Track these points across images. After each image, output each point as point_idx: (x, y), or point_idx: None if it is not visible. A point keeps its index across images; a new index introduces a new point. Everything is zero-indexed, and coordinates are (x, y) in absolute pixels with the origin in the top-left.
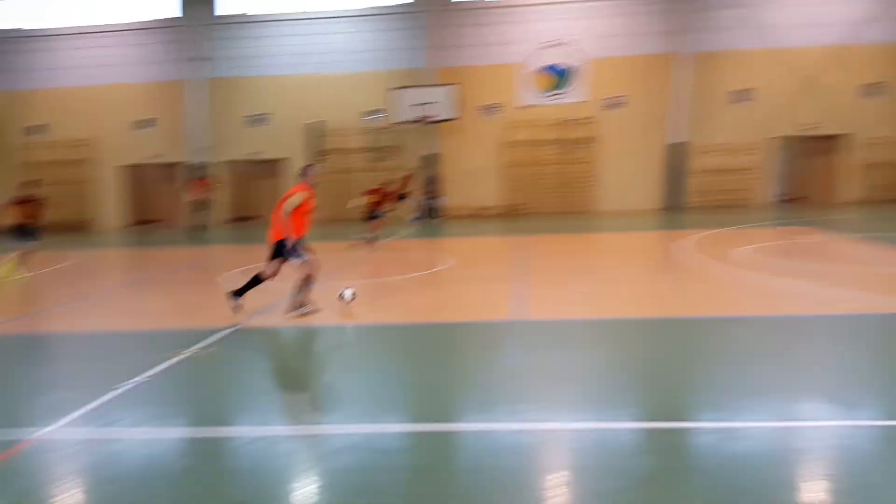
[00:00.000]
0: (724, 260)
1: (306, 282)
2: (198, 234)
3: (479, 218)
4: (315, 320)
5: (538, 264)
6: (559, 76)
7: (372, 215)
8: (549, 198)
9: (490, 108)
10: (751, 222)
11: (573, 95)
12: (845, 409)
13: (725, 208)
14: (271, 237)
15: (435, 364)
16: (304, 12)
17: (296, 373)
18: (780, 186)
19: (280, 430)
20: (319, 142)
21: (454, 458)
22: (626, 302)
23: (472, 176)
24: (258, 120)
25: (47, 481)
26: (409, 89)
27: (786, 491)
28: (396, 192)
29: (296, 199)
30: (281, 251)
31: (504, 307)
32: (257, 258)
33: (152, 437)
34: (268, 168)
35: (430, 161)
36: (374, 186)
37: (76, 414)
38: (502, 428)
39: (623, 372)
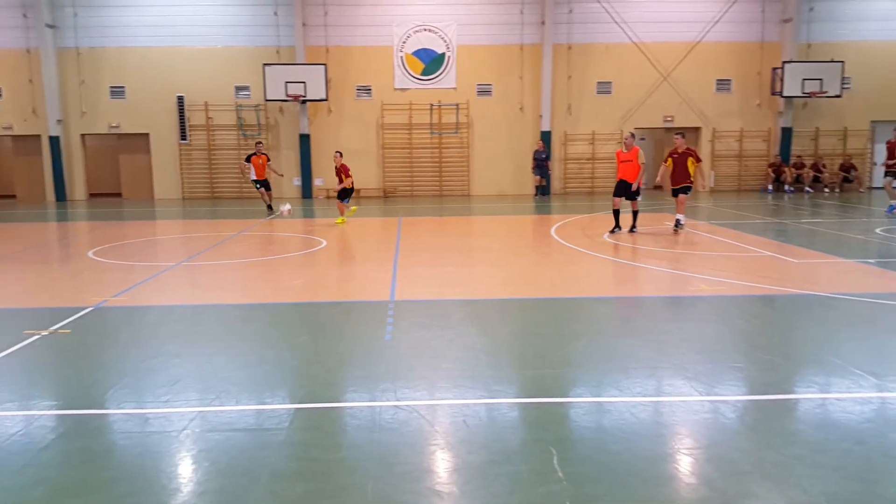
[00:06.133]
0: (588, 243)
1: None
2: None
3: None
4: (182, 300)
5: (414, 245)
6: (429, 61)
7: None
8: (424, 180)
9: (364, 90)
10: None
11: (445, 80)
12: (707, 386)
13: (591, 195)
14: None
15: (310, 343)
16: None
17: (162, 352)
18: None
19: (149, 410)
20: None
21: (331, 434)
22: (500, 282)
23: (347, 158)
24: (118, 92)
25: None
26: (279, 67)
27: (651, 462)
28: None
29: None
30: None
31: (382, 287)
32: (122, 233)
33: (7, 416)
34: (129, 143)
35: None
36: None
37: None
38: (380, 405)
39: (497, 349)
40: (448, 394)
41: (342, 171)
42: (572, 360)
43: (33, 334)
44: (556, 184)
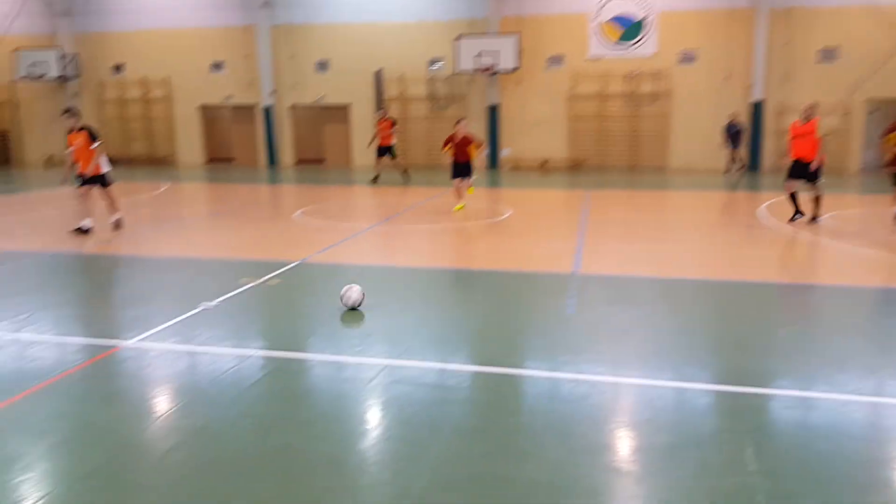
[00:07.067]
0: (799, 224)
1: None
2: (405, 177)
3: (542, 170)
4: (375, 260)
5: (602, 218)
6: (628, 27)
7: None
8: (615, 152)
9: (555, 59)
10: (832, 188)
11: (643, 48)
12: None
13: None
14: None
15: (491, 309)
16: None
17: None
18: (868, 151)
19: (343, 357)
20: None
21: (510, 398)
22: (696, 262)
23: (537, 128)
24: (323, 66)
25: (130, 386)
26: (471, 38)
27: (863, 466)
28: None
29: None
30: None
31: (566, 259)
32: (324, 196)
33: (224, 353)
34: (332, 113)
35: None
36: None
37: (157, 329)
38: (560, 376)
39: (689, 332)
40: (634, 372)
41: (466, 143)
42: (776, 350)
43: (248, 283)
44: (768, 159)
